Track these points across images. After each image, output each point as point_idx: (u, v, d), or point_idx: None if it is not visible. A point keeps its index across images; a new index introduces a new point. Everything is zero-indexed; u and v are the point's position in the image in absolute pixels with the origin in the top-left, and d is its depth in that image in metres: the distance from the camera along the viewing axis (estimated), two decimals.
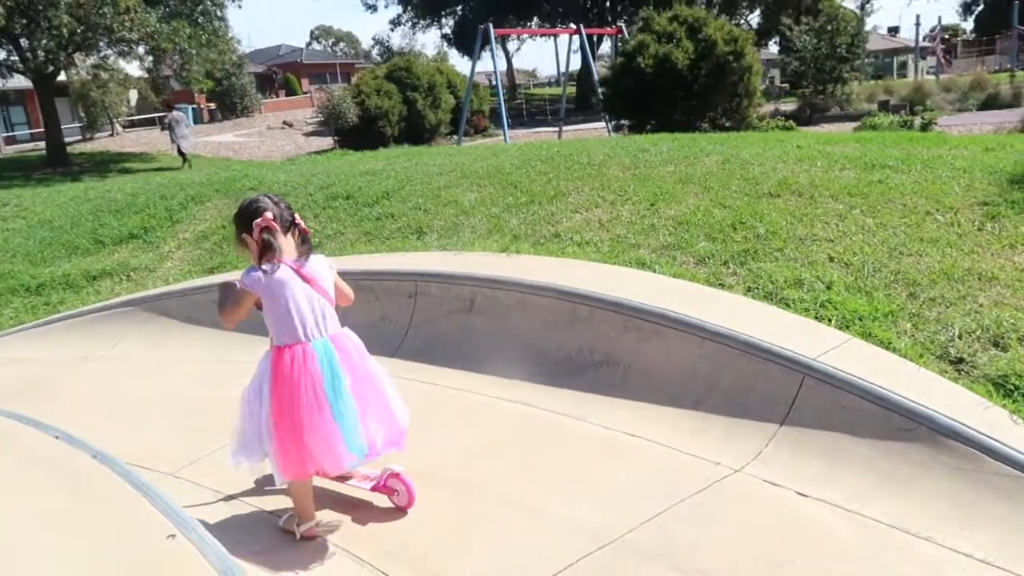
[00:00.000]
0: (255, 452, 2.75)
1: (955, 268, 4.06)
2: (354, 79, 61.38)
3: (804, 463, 2.98)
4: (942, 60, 39.66)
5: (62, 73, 26.94)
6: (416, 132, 28.30)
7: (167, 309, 5.79)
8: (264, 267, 2.62)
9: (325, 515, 2.97)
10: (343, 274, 5.37)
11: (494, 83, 31.85)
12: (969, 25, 57.47)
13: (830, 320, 3.76)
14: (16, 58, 24.26)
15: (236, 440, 2.78)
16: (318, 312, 2.70)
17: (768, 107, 25.26)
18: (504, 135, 20.20)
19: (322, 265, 2.79)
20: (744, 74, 15.64)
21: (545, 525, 2.89)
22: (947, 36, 46.55)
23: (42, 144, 30.21)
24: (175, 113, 23.89)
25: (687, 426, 3.42)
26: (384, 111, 26.69)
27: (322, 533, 2.83)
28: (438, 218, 6.60)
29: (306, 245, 2.77)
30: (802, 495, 2.80)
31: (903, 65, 45.98)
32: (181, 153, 23.34)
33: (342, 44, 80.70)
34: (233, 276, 2.94)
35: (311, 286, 2.70)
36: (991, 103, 23.31)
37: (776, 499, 2.81)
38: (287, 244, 2.69)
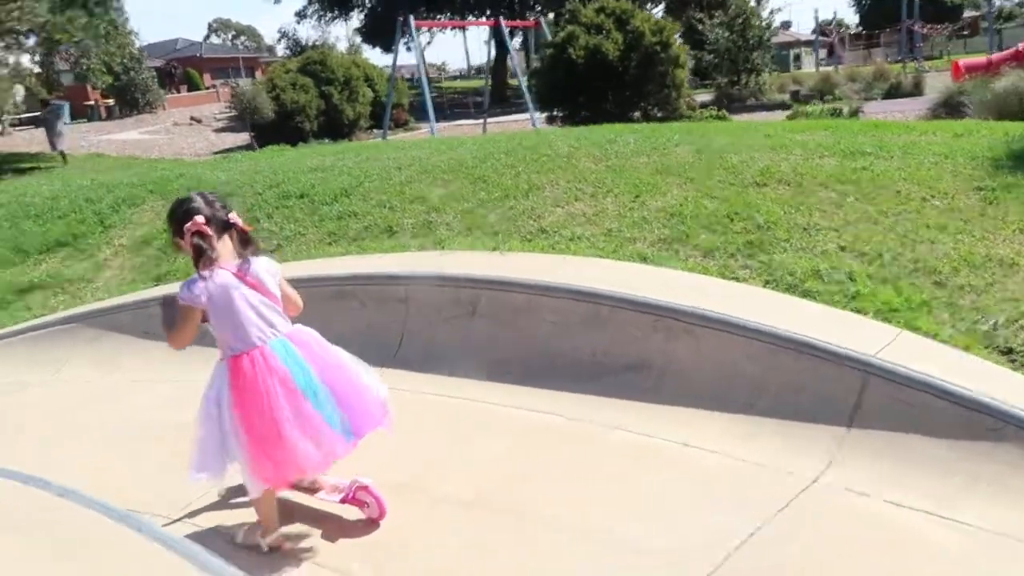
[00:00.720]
0: (217, 466, 2.63)
1: (973, 255, 4.03)
2: (259, 73, 59.33)
3: (881, 468, 2.83)
4: (840, 52, 41.42)
5: None
6: (335, 127, 27.40)
7: (119, 324, 5.21)
8: (203, 274, 2.48)
9: (294, 528, 2.84)
10: (317, 280, 5.03)
11: (414, 76, 31.15)
12: (855, 19, 60.24)
13: (865, 313, 3.64)
14: None
15: (196, 455, 2.63)
16: (268, 316, 2.59)
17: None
18: (432, 128, 19.73)
19: (266, 267, 2.65)
20: (671, 65, 15.75)
21: (604, 551, 2.63)
22: (841, 29, 48.74)
23: None
24: (52, 107, 23.69)
25: (739, 431, 3.23)
26: (301, 105, 25.73)
27: (286, 544, 2.73)
28: (407, 215, 6.23)
29: (248, 247, 2.61)
30: (893, 504, 2.64)
31: (797, 57, 47.71)
32: (55, 149, 22.95)
33: (243, 38, 77.86)
34: (174, 291, 2.72)
35: (257, 291, 2.57)
36: (894, 92, 24.38)
37: (867, 510, 2.64)
38: (224, 247, 2.54)
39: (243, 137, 31.12)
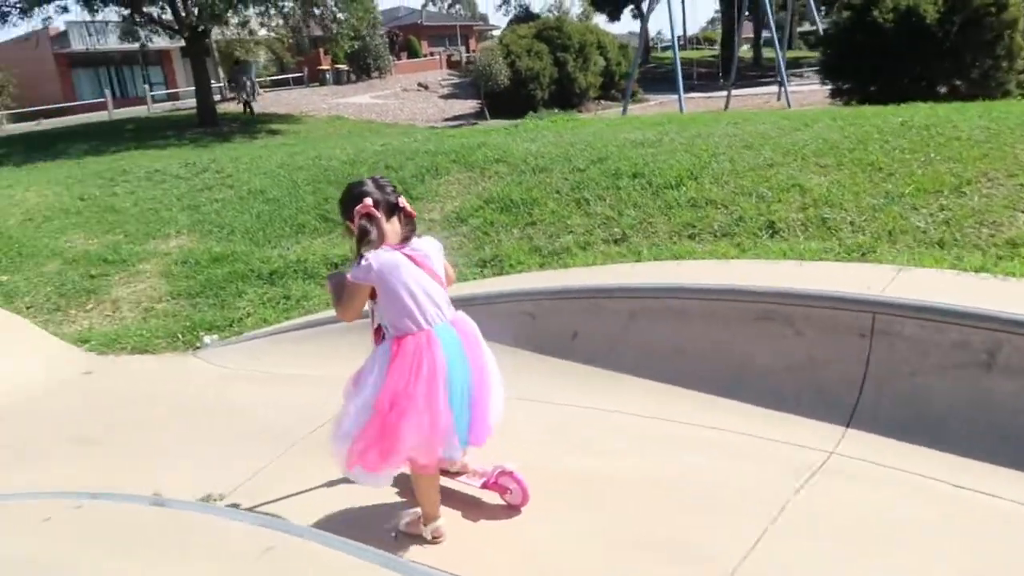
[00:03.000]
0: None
1: None
2: (473, 42, 60.08)
3: None
4: None
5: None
6: (566, 96, 26.68)
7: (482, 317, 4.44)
8: (368, 254, 2.48)
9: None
10: (729, 292, 3.92)
11: (640, 42, 29.46)
12: None
13: None
14: (170, 16, 24.03)
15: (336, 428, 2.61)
16: (436, 297, 2.58)
17: None
18: (680, 103, 18.20)
19: (431, 247, 2.65)
20: (1006, 30, 13.07)
21: None
22: None
23: (180, 103, 30.42)
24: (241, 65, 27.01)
25: None
26: (535, 73, 25.15)
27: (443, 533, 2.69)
28: (787, 208, 4.99)
29: (410, 227, 2.61)
30: None
31: None
32: (246, 104, 26.38)
33: (458, 6, 79.57)
34: (341, 269, 2.83)
35: (423, 270, 2.56)
36: None
37: None
38: (391, 228, 2.56)
39: (470, 104, 31.28)
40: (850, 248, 4.37)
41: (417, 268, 2.54)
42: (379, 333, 2.69)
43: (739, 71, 41.77)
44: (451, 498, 2.88)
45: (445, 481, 2.88)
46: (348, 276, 2.53)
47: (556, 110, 25.30)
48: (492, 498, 2.90)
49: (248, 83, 27.10)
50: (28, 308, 6.02)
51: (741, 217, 5.05)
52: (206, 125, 25.61)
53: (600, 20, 50.90)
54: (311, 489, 3.16)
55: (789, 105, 21.38)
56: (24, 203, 8.59)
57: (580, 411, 3.70)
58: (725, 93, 28.07)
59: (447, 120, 27.37)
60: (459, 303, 4.53)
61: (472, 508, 2.88)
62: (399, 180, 6.95)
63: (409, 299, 2.50)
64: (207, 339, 5.18)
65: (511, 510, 2.84)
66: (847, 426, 3.27)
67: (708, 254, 4.71)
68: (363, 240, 2.51)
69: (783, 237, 4.74)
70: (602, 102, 28.17)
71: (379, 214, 2.52)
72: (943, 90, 13.29)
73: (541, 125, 9.23)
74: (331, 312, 5.10)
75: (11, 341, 5.14)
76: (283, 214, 6.89)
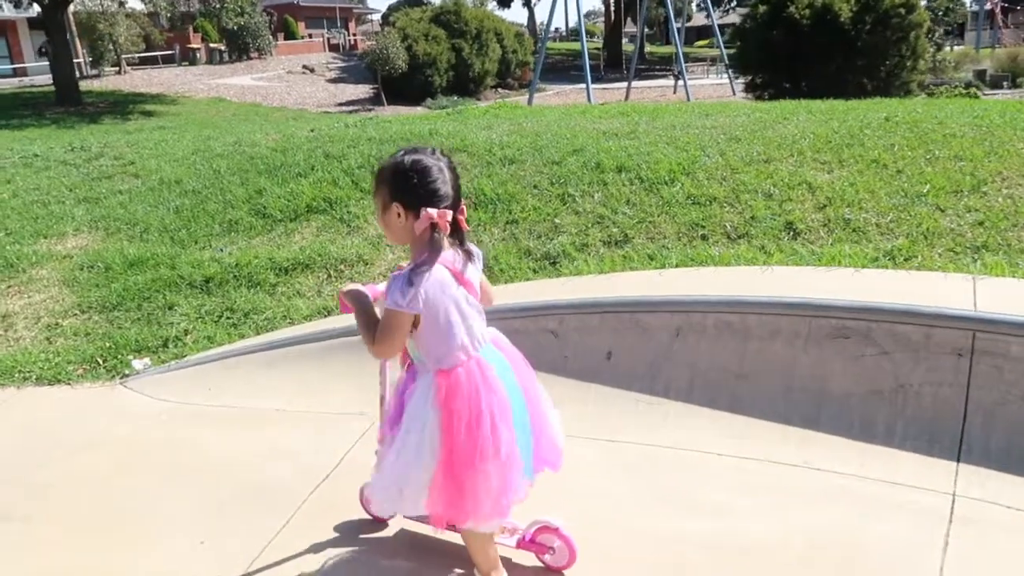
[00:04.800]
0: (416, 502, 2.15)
1: None
2: (352, 24, 58.06)
3: None
4: (1000, 26, 37.42)
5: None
6: (463, 83, 25.96)
7: None
8: (421, 275, 1.96)
9: None
10: (798, 306, 3.46)
11: (544, 32, 29.22)
12: None
13: None
14: None
15: (393, 491, 2.16)
16: (478, 317, 2.14)
17: None
18: (588, 93, 17.90)
19: (477, 258, 2.16)
20: (912, 31, 13.52)
21: None
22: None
23: (27, 80, 27.53)
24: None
25: None
26: (433, 58, 24.30)
27: None
28: (799, 207, 4.63)
29: (459, 238, 2.08)
30: None
31: (931, 32, 43.87)
32: None
33: None
34: (364, 289, 2.21)
35: (466, 288, 2.09)
36: None
37: None
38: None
39: (363, 89, 29.96)
40: (887, 252, 4.04)
41: (461, 288, 2.09)
42: (406, 359, 2.22)
43: (623, 64, 42.50)
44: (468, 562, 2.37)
45: (448, 536, 2.45)
46: (388, 302, 2.00)
47: (455, 96, 24.64)
48: (528, 559, 2.44)
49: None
50: None
51: (753, 216, 4.65)
52: (67, 104, 23.20)
53: (491, 7, 50.47)
54: (335, 563, 2.46)
55: (689, 98, 21.64)
56: None
57: (636, 448, 3.16)
58: (616, 85, 28.28)
59: (340, 105, 26.01)
60: None
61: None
62: (345, 171, 6.14)
63: (459, 327, 2.07)
64: (138, 364, 4.25)
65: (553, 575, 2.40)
66: (957, 461, 2.89)
67: (732, 258, 4.26)
68: (431, 255, 1.99)
69: (807, 239, 4.37)
70: (499, 90, 27.64)
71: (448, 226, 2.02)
72: (865, 87, 13.64)
73: (484, 111, 8.58)
74: (300, 329, 4.32)
75: None
76: (208, 208, 5.92)
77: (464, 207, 2.08)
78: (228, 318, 4.60)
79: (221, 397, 3.85)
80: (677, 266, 4.24)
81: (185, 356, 4.24)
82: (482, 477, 2.05)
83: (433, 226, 1.99)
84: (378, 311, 2.14)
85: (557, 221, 5.03)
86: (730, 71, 18.65)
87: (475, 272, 2.15)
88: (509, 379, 2.17)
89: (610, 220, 4.92)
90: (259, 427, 3.51)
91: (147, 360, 4.30)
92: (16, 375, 4.19)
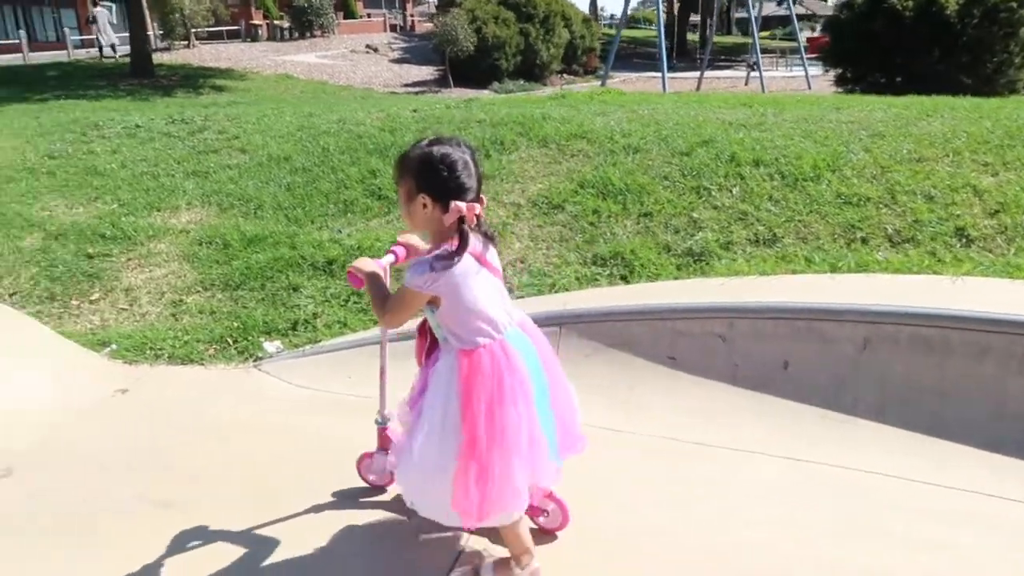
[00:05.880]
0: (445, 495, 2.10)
1: None
2: (410, 5, 58.01)
3: None
4: None
5: None
6: (529, 67, 25.63)
7: (627, 337, 3.56)
8: (443, 264, 1.98)
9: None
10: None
11: (623, 16, 28.62)
12: None
13: None
14: None
15: (417, 483, 2.20)
16: (503, 299, 2.16)
17: None
18: (663, 82, 17.44)
19: (495, 243, 2.16)
20: (1022, 27, 12.83)
21: None
22: None
23: (95, 52, 27.83)
24: (97, 9, 25.09)
25: None
26: (502, 41, 24.00)
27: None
28: (967, 212, 4.30)
29: (478, 223, 2.07)
30: None
31: None
32: (100, 48, 25.04)
33: None
34: (381, 263, 2.28)
35: (488, 269, 2.11)
36: None
37: None
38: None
39: (427, 70, 29.81)
40: None
41: (483, 268, 2.09)
42: (425, 337, 2.26)
43: (688, 54, 41.61)
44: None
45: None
46: (407, 282, 2.03)
47: (521, 81, 24.36)
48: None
49: (106, 25, 25.23)
50: (11, 295, 4.78)
51: (916, 220, 4.33)
52: (140, 76, 23.43)
53: None
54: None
55: (763, 90, 21.03)
56: None
57: (823, 470, 2.90)
58: (683, 74, 27.66)
59: (406, 86, 25.90)
60: (621, 316, 3.67)
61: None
62: None
63: (483, 308, 2.08)
64: (270, 347, 4.12)
65: (546, 536, 2.45)
66: None
67: (903, 265, 3.96)
68: (460, 248, 2.01)
69: (984, 247, 4.05)
70: (564, 76, 27.26)
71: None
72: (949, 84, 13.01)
73: (589, 96, 8.31)
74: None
75: (20, 348, 3.93)
76: (321, 188, 5.78)
77: (484, 198, 2.09)
78: (356, 302, 4.44)
79: (361, 387, 3.69)
80: (839, 269, 3.95)
81: (319, 341, 4.10)
82: (505, 459, 2.04)
83: (460, 219, 2.00)
84: (389, 285, 2.28)
85: (695, 215, 4.77)
86: (806, 63, 17.99)
87: (495, 254, 2.17)
88: (533, 363, 2.16)
89: (753, 217, 4.65)
90: None
91: (278, 343, 4.17)
92: (148, 352, 4.10)
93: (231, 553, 2.48)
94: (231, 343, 4.16)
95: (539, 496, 2.39)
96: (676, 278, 4.26)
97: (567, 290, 4.26)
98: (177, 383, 3.84)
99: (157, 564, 2.42)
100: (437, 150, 2.02)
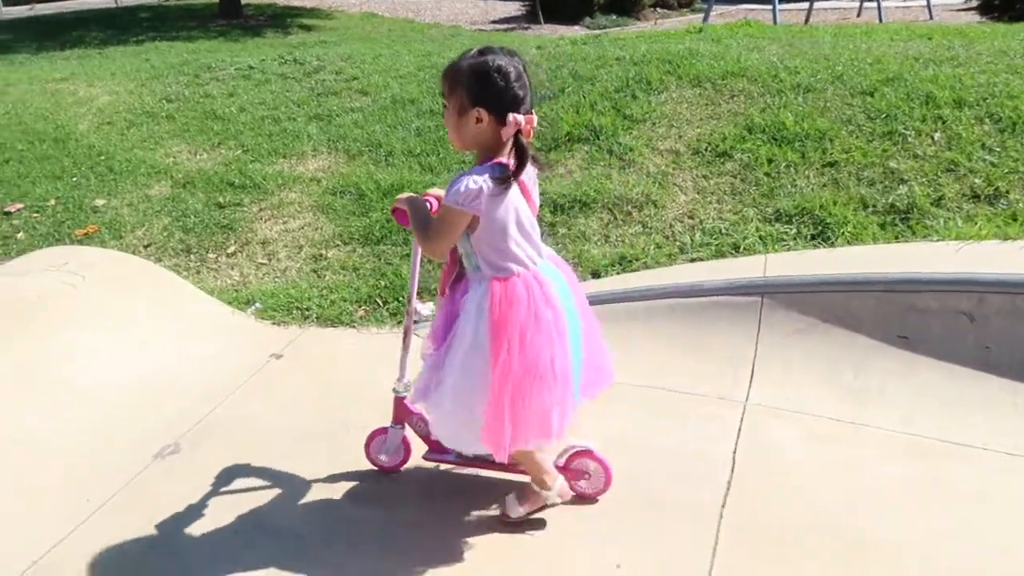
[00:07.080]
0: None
1: None
2: None
3: None
4: None
5: None
6: (620, 1, 24.32)
7: (845, 310, 3.07)
8: (494, 180, 1.88)
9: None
10: None
11: None
12: None
13: None
14: None
15: (451, 422, 2.13)
16: (535, 231, 2.07)
17: None
18: (774, 13, 16.13)
19: (531, 170, 2.05)
20: None
21: None
22: None
23: None
24: None
25: None
26: None
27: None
28: None
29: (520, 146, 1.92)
30: None
31: None
32: None
33: None
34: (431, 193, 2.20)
35: (527, 199, 2.02)
36: None
37: None
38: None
39: (514, 6, 28.78)
40: None
41: (521, 197, 2.00)
42: (454, 267, 2.15)
43: None
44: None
45: (489, 473, 2.45)
46: (446, 199, 1.92)
47: (613, 16, 23.22)
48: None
49: None
50: (146, 247, 4.58)
51: None
52: (229, 16, 23.34)
53: None
54: None
55: (881, 20, 19.40)
56: (92, 102, 6.98)
57: None
58: (789, 6, 25.80)
59: (494, 23, 25.02)
60: (840, 287, 3.17)
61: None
62: (602, 94, 5.41)
63: (518, 234, 1.99)
64: (424, 310, 3.74)
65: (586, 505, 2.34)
66: None
67: None
68: (521, 164, 1.91)
69: None
70: (658, 10, 25.83)
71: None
72: None
73: (729, 29, 7.59)
74: (602, 285, 3.73)
75: (166, 308, 3.69)
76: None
77: (535, 114, 1.94)
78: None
79: None
80: None
81: None
82: (537, 390, 1.96)
83: (517, 133, 1.89)
84: None
85: (892, 165, 4.16)
86: None
87: (535, 181, 2.08)
88: (567, 298, 2.09)
89: (966, 168, 4.01)
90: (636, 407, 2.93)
91: (431, 305, 3.82)
92: (295, 312, 3.82)
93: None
94: (381, 304, 3.85)
95: (576, 457, 2.33)
96: (880, 239, 3.70)
97: (753, 252, 3.76)
98: (333, 349, 3.55)
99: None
100: (492, 59, 1.88)
